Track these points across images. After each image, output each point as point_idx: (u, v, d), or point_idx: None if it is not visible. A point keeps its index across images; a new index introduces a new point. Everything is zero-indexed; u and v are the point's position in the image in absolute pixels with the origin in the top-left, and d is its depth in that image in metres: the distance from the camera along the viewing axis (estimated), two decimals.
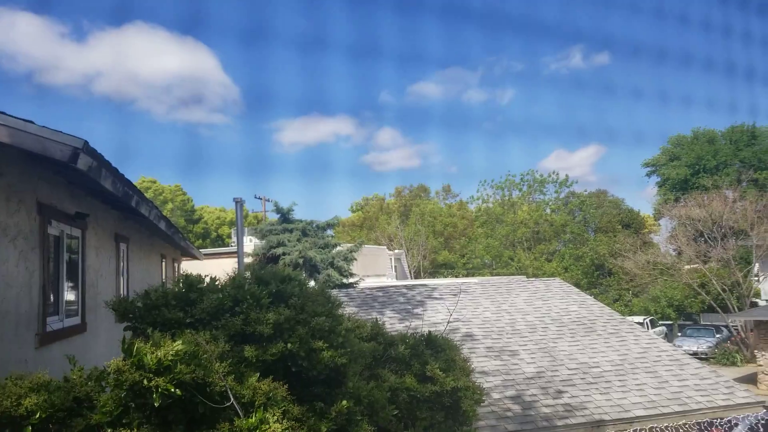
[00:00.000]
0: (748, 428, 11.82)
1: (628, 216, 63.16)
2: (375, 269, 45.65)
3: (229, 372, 4.36)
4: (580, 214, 66.25)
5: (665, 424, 10.62)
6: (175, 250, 19.94)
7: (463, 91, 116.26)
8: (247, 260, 26.96)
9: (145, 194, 10.13)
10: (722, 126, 68.10)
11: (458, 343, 8.37)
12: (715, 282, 37.03)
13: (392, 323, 13.53)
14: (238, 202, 14.30)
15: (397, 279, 51.77)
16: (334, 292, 15.09)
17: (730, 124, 65.38)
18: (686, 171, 62.83)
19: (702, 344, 35.77)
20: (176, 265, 21.45)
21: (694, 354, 30.97)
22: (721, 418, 11.15)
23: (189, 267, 19.34)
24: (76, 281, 9.20)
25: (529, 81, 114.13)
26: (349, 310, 12.45)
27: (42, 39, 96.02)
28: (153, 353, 4.02)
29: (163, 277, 17.84)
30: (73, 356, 4.63)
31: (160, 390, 3.91)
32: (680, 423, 10.76)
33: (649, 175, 71.31)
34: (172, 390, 3.93)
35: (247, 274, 6.04)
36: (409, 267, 65.03)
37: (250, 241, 36.50)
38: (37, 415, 4.01)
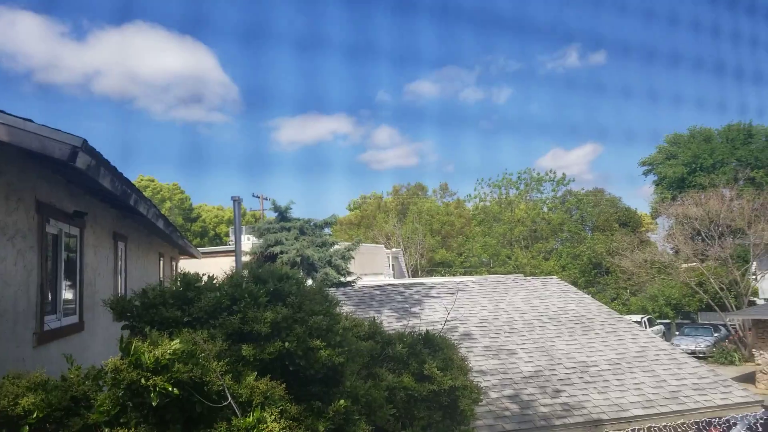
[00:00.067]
0: (747, 428, 11.84)
1: (626, 214, 63.22)
2: (372, 268, 45.64)
3: (226, 371, 4.36)
4: (577, 212, 66.21)
5: (663, 424, 10.63)
6: (173, 248, 19.93)
7: (459, 90, 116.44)
8: (245, 259, 26.96)
9: (144, 193, 10.13)
10: (719, 125, 68.29)
11: (456, 342, 8.38)
12: (712, 280, 37.08)
13: (390, 322, 13.53)
14: (236, 201, 14.32)
15: (394, 277, 51.77)
16: (332, 290, 15.09)
17: (726, 122, 65.64)
18: (683, 169, 62.87)
19: (700, 343, 35.79)
20: (174, 263, 21.43)
21: (692, 353, 31.00)
22: (720, 418, 11.15)
23: (187, 265, 19.36)
24: (74, 280, 9.19)
25: (525, 80, 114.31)
26: (346, 308, 12.45)
27: (42, 38, 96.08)
28: (150, 352, 4.02)
29: (161, 275, 17.83)
30: (70, 355, 4.62)
31: (157, 389, 3.91)
32: (678, 422, 10.76)
33: (646, 173, 71.48)
34: (170, 389, 3.93)
35: (245, 272, 6.03)
36: (406, 265, 65.05)
37: (248, 239, 36.52)
38: (35, 415, 4.01)
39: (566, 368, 12.20)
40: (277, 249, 30.40)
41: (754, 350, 28.62)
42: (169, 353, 4.03)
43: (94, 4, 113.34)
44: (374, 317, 7.75)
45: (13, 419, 4.02)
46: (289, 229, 31.76)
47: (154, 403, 3.91)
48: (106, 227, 11.02)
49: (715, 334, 37.36)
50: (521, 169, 71.39)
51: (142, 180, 68.12)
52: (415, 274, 63.69)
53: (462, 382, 6.69)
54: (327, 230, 35.65)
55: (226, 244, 53.33)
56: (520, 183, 70.22)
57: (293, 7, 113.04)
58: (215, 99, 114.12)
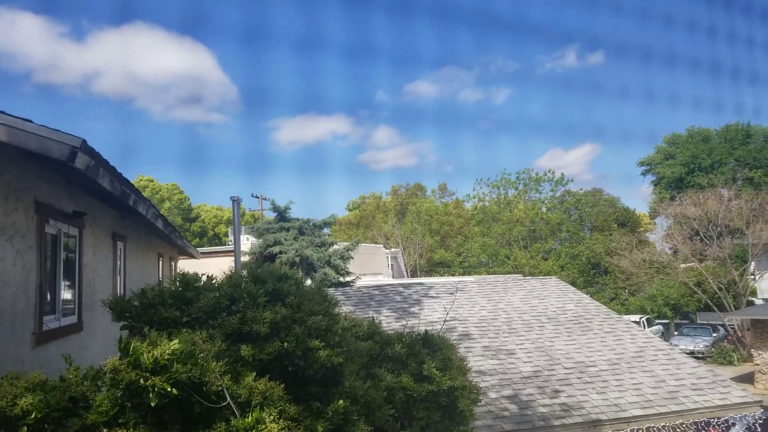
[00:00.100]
0: (746, 428, 11.84)
1: (624, 214, 63.23)
2: (372, 268, 45.66)
3: (225, 371, 4.36)
4: (575, 212, 66.19)
5: (662, 424, 10.63)
6: (172, 248, 19.92)
7: (458, 91, 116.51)
8: (244, 259, 26.95)
9: (143, 193, 10.12)
10: (717, 125, 68.37)
11: (455, 342, 8.37)
12: (711, 281, 37.09)
13: (389, 322, 13.53)
14: (235, 201, 14.31)
15: (393, 277, 51.82)
16: (331, 290, 15.08)
17: (724, 122, 65.70)
18: (681, 170, 62.89)
19: (699, 343, 35.77)
20: (173, 263, 21.42)
21: (691, 353, 31.00)
22: (719, 418, 11.15)
23: (186, 266, 19.35)
24: (73, 280, 9.19)
25: (524, 80, 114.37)
26: (345, 308, 12.44)
27: (41, 38, 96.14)
28: (149, 352, 4.02)
29: (160, 275, 17.82)
30: (69, 355, 4.62)
31: (156, 389, 3.90)
32: (677, 423, 10.76)
33: (644, 173, 71.52)
34: (169, 389, 3.93)
35: (244, 272, 6.03)
36: (405, 265, 65.10)
37: (247, 239, 36.51)
38: (33, 415, 4.00)
39: (565, 368, 12.20)
40: (276, 249, 30.41)
41: (752, 350, 28.62)
42: (168, 353, 4.02)
43: (93, 4, 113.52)
44: (373, 317, 7.74)
45: (11, 420, 4.01)
46: (288, 229, 31.76)
47: (152, 404, 3.91)
48: (106, 227, 11.01)
49: (714, 334, 37.34)
50: (520, 170, 71.26)
51: (141, 180, 68.12)
52: (414, 274, 63.72)
53: (461, 382, 6.68)
54: (326, 230, 35.66)
55: (225, 244, 53.32)
56: (519, 183, 70.22)
57: (292, 7, 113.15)
58: (214, 99, 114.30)
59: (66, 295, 8.86)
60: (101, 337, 10.40)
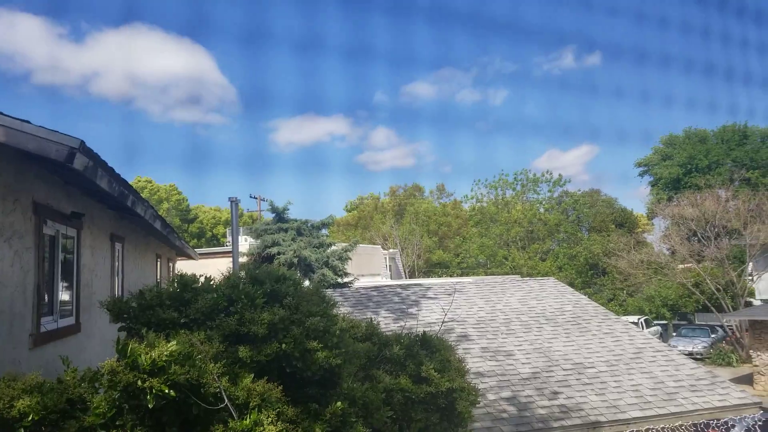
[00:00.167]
0: (745, 429, 11.84)
1: (622, 215, 63.22)
2: (370, 269, 45.62)
3: (223, 373, 4.35)
4: (573, 213, 66.22)
5: (661, 426, 10.62)
6: (171, 249, 19.91)
7: (456, 92, 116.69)
8: (242, 260, 26.97)
9: (141, 194, 10.11)
10: (714, 126, 68.40)
11: (453, 343, 8.37)
12: (709, 281, 37.10)
13: (387, 323, 13.53)
14: (234, 202, 14.26)
15: (391, 278, 51.76)
16: (329, 291, 15.05)
17: (722, 123, 65.80)
18: (679, 170, 62.97)
19: (697, 344, 35.77)
20: (171, 264, 21.40)
21: (690, 354, 31.02)
22: (718, 419, 11.15)
23: (184, 267, 19.31)
24: (70, 281, 9.17)
25: (521, 81, 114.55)
26: (343, 309, 12.44)
27: (41, 40, 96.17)
28: (147, 354, 4.01)
29: (158, 276, 17.80)
30: (66, 357, 4.60)
31: (154, 391, 3.89)
32: (676, 424, 10.76)
33: (641, 174, 71.61)
34: (166, 391, 3.92)
35: (242, 273, 6.02)
36: (403, 266, 65.05)
37: (245, 240, 36.51)
38: (30, 417, 3.98)
39: (564, 370, 12.20)
40: (274, 250, 30.38)
41: (751, 351, 28.62)
42: (166, 355, 4.01)
43: (92, 5, 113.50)
44: (371, 318, 7.74)
45: (8, 422, 4.00)
46: (286, 230, 31.73)
47: (150, 406, 3.90)
48: (104, 228, 10.99)
49: (712, 336, 37.34)
50: (517, 170, 71.38)
51: (139, 181, 68.13)
52: (412, 275, 63.70)
53: (459, 383, 6.67)
54: (324, 231, 35.63)
55: (223, 245, 53.31)
56: (517, 184, 70.22)
57: (291, 9, 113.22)
58: (213, 100, 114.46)
59: (64, 296, 8.84)
60: (99, 339, 10.38)
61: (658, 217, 51.54)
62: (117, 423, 3.97)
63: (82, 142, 5.94)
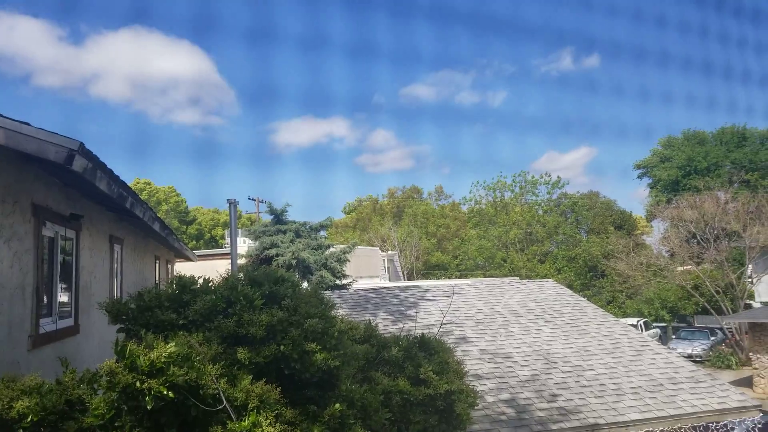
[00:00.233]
0: None
1: (621, 217, 63.28)
2: (368, 270, 45.59)
3: (221, 374, 4.35)
4: (572, 215, 66.23)
5: (660, 428, 10.62)
6: (169, 251, 19.91)
7: (455, 93, 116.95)
8: (241, 261, 26.92)
9: (140, 196, 10.11)
10: (712, 127, 68.50)
11: (452, 345, 8.36)
12: (708, 284, 37.07)
13: (385, 325, 13.52)
14: (232, 204, 14.23)
15: (390, 280, 51.72)
16: (327, 293, 15.07)
17: (721, 123, 65.97)
18: (677, 172, 62.95)
19: (696, 347, 35.72)
20: (170, 266, 21.41)
21: (689, 357, 31.03)
22: (717, 422, 11.15)
23: (183, 268, 19.32)
24: (69, 283, 9.17)
25: (520, 83, 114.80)
26: (342, 311, 12.44)
27: (40, 42, 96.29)
28: (146, 355, 4.01)
29: (157, 278, 17.80)
30: (65, 358, 4.61)
31: (152, 392, 3.90)
32: (675, 427, 10.75)
33: (640, 176, 71.57)
34: (165, 392, 3.92)
35: (241, 275, 6.02)
36: (402, 268, 64.99)
37: (244, 242, 36.46)
38: (29, 419, 3.98)
39: (562, 372, 12.20)
40: (272, 252, 30.35)
41: (750, 354, 28.58)
42: (165, 356, 4.02)
43: (92, 8, 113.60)
44: (370, 320, 7.74)
45: (7, 423, 4.00)
46: (284, 232, 31.71)
47: (149, 407, 3.90)
48: (103, 230, 11.00)
49: (712, 338, 37.29)
50: (516, 172, 71.36)
51: (138, 183, 68.10)
52: (410, 277, 63.65)
53: (458, 386, 6.68)
54: (323, 233, 35.61)
55: (221, 247, 53.29)
56: (515, 186, 70.22)
57: (291, 11, 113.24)
58: (212, 102, 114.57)
59: (63, 297, 8.84)
60: (98, 340, 10.38)
61: (657, 219, 51.58)
62: (116, 424, 3.97)
63: (82, 144, 5.95)
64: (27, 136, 5.76)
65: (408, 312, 15.06)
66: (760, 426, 11.38)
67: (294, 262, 29.60)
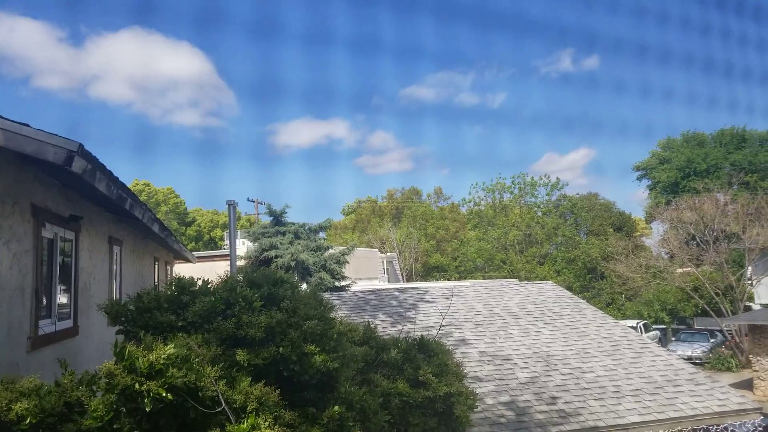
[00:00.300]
0: None
1: (620, 219, 63.22)
2: (367, 272, 45.63)
3: (220, 376, 4.35)
4: (571, 217, 66.24)
5: (660, 431, 10.61)
6: (168, 252, 19.91)
7: (454, 95, 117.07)
8: (240, 263, 26.91)
9: (139, 197, 10.10)
10: (712, 128, 68.49)
11: (451, 347, 8.36)
12: (708, 285, 37.02)
13: (384, 327, 13.50)
14: (231, 205, 14.23)
15: (389, 282, 51.72)
16: (326, 295, 15.06)
17: (721, 125, 65.97)
18: (677, 174, 62.92)
19: (696, 349, 35.66)
20: (169, 267, 21.40)
21: (689, 359, 31.00)
22: (717, 425, 11.14)
23: (182, 270, 19.31)
24: (68, 284, 9.17)
25: (520, 84, 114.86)
26: (341, 313, 12.43)
27: (40, 43, 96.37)
28: (145, 357, 4.00)
29: (156, 279, 17.79)
30: (64, 360, 4.60)
31: (151, 394, 3.89)
32: (675, 429, 10.74)
33: (640, 178, 71.50)
34: (164, 394, 3.91)
35: (240, 276, 6.02)
36: (401, 270, 64.99)
37: (243, 243, 36.43)
38: (28, 421, 3.98)
39: (562, 374, 12.19)
40: (271, 253, 30.34)
41: (751, 356, 28.53)
42: (164, 358, 4.01)
43: (92, 9, 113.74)
44: (369, 322, 7.74)
45: (6, 425, 3.99)
46: (283, 234, 31.70)
47: (147, 409, 3.90)
48: (102, 231, 10.99)
49: (712, 340, 37.23)
50: (515, 174, 71.39)
51: (137, 184, 68.11)
52: (409, 279, 63.65)
53: (457, 388, 6.67)
54: (322, 234, 35.58)
55: (221, 249, 53.37)
56: (514, 187, 70.26)
57: (291, 12, 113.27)
58: (212, 103, 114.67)
59: (62, 299, 8.83)
60: (97, 342, 10.37)
61: (657, 221, 51.57)
62: (114, 426, 3.97)
63: (81, 145, 5.94)
64: (26, 137, 5.75)
65: (407, 314, 15.05)
66: (760, 429, 11.37)
67: (293, 263, 29.59)
